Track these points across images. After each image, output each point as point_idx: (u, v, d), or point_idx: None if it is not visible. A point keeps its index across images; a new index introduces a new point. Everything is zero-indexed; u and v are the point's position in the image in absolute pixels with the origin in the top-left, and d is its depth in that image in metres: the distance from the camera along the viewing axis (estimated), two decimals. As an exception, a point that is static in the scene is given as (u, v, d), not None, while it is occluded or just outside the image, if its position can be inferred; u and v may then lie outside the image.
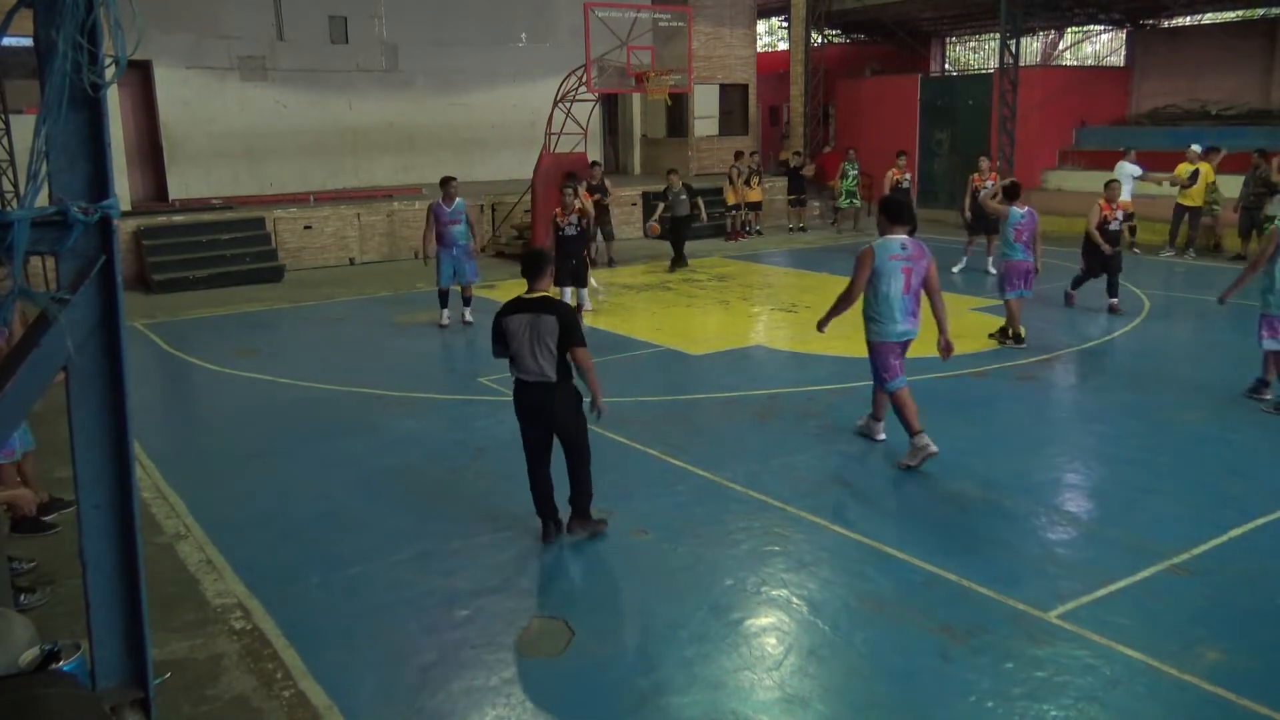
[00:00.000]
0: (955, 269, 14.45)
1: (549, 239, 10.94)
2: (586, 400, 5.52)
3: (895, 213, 6.83)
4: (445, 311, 11.56)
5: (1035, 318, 11.31)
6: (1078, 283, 11.85)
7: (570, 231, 11.32)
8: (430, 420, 7.91)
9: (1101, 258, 11.31)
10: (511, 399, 5.58)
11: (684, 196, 15.91)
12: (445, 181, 11.49)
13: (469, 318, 11.64)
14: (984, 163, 15.00)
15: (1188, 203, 15.55)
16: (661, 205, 16.02)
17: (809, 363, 9.68)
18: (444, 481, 6.82)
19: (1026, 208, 9.92)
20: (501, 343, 5.47)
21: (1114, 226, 11.34)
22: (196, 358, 10.20)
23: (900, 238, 6.76)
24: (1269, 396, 8.00)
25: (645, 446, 7.21)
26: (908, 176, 16.14)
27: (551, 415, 5.44)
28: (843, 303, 6.96)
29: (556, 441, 5.56)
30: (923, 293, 6.78)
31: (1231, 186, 15.23)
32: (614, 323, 11.56)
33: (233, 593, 5.15)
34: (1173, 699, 4.10)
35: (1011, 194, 10.16)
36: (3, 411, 2.63)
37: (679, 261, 15.53)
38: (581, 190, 11.32)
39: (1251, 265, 8.13)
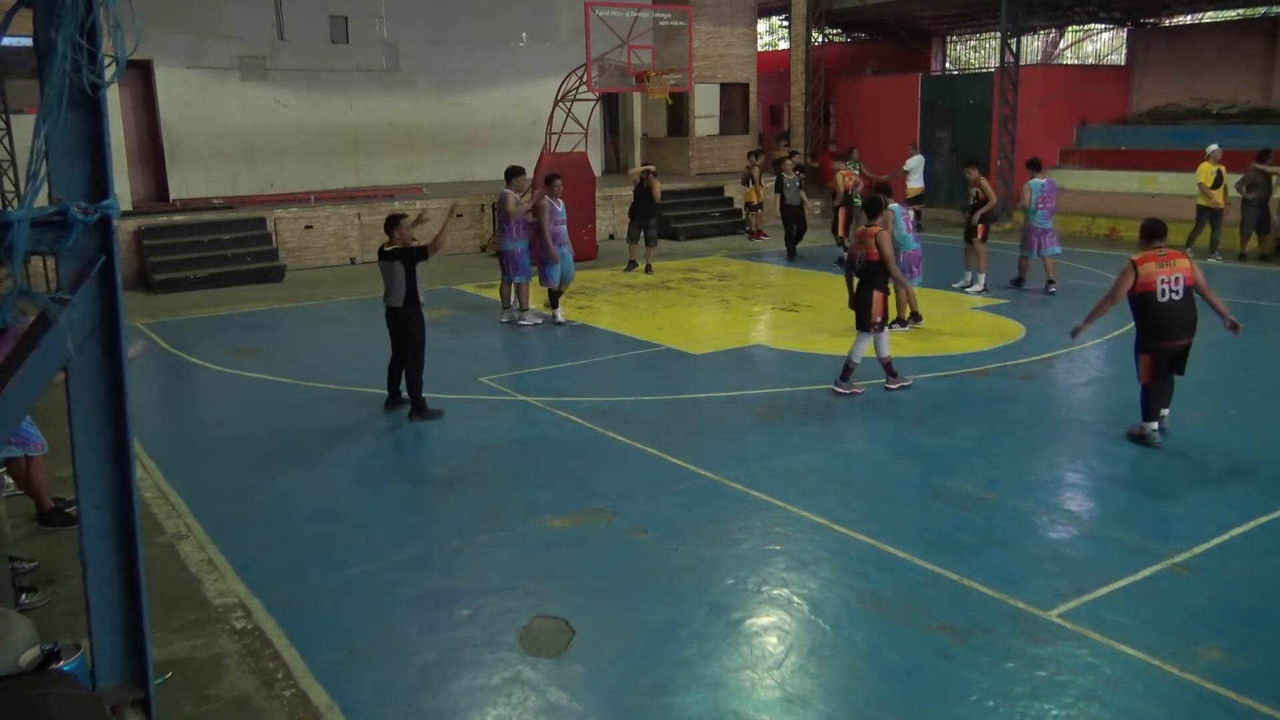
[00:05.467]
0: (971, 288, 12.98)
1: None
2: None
3: (511, 174, 11.10)
4: (559, 311, 11.45)
5: (1034, 316, 11.34)
6: (1146, 411, 6.98)
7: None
8: (431, 420, 7.91)
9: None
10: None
11: (798, 184, 16.32)
12: (555, 179, 11.23)
13: (561, 317, 11.43)
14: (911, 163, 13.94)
15: (1209, 204, 14.62)
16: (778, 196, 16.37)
17: (809, 362, 9.67)
18: (444, 481, 6.82)
19: (898, 204, 10.49)
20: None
21: (1166, 297, 6.69)
22: (197, 358, 10.20)
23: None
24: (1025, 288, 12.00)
25: (645, 446, 7.21)
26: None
27: (400, 327, 7.80)
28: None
29: None
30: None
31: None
32: (614, 322, 11.55)
33: (234, 593, 5.15)
34: (1173, 698, 4.11)
35: (885, 193, 9.87)
36: (4, 411, 2.64)
37: (792, 252, 16.04)
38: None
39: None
